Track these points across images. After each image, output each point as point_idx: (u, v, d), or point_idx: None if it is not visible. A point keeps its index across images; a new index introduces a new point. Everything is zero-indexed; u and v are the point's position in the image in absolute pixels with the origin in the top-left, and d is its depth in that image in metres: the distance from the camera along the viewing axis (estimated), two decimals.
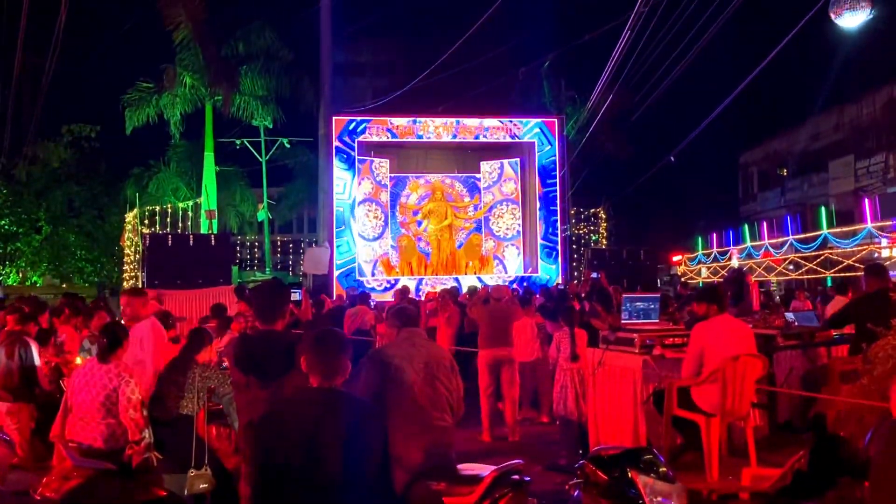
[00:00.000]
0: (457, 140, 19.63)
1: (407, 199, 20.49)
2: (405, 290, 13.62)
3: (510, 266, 20.17)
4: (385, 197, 19.95)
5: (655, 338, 6.22)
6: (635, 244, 21.63)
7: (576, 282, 18.58)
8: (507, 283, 16.22)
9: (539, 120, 19.93)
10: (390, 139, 19.36)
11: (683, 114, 20.51)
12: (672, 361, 6.05)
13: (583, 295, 13.33)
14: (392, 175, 20.23)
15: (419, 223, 20.47)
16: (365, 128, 19.06)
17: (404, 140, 19.52)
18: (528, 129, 19.74)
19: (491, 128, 19.63)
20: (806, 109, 30.66)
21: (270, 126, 23.00)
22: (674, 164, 19.36)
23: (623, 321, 6.70)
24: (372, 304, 13.31)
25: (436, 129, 19.39)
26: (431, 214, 20.32)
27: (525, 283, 17.22)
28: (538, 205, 19.69)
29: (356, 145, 18.97)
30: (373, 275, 19.12)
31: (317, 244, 20.58)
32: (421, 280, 18.86)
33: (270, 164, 24.50)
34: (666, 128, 23.43)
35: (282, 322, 3.77)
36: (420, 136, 19.36)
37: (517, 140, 19.81)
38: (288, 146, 24.17)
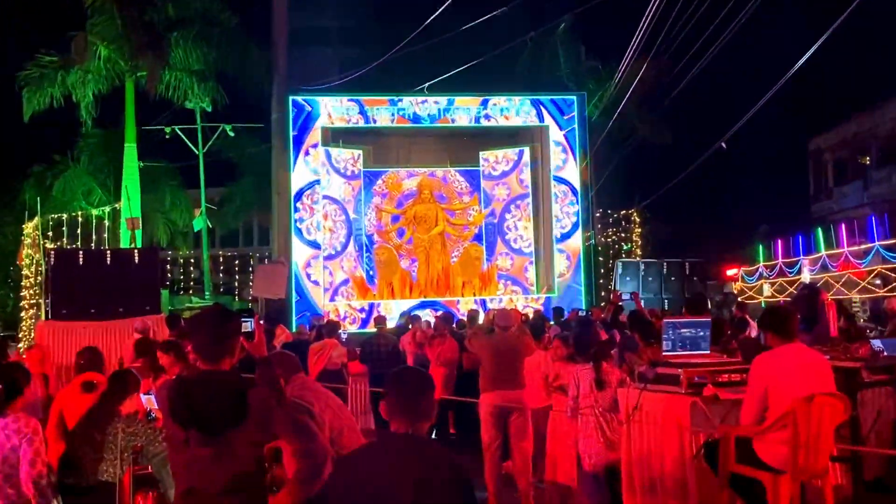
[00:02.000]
0: (449, 125, 19.68)
1: (384, 201, 20.24)
2: (415, 317, 13.94)
3: (532, 288, 20.14)
4: (347, 194, 19.64)
5: (706, 374, 6.24)
6: (678, 255, 21.35)
7: (603, 304, 18.60)
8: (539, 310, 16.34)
9: (554, 95, 19.94)
10: (363, 124, 19.37)
11: (738, 89, 20.74)
12: (728, 404, 6.06)
13: (608, 320, 13.39)
14: (366, 170, 20.07)
15: (401, 232, 20.29)
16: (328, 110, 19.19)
17: (381, 126, 19.51)
18: (540, 108, 19.88)
19: (493, 106, 19.62)
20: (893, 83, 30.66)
21: (209, 109, 22.71)
22: (725, 152, 18.50)
23: (665, 353, 6.71)
24: (343, 336, 13.31)
25: (421, 110, 19.50)
26: (418, 220, 20.16)
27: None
28: (553, 206, 19.77)
29: (319, 132, 19.09)
30: (332, 299, 18.91)
31: (270, 260, 20.46)
32: (424, 304, 18.76)
33: (210, 158, 24.28)
34: (715, 107, 23.10)
35: (229, 360, 3.80)
36: (405, 115, 19.28)
37: (527, 124, 19.92)
38: (232, 134, 23.87)
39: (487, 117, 19.72)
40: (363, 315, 18.64)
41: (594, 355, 7.71)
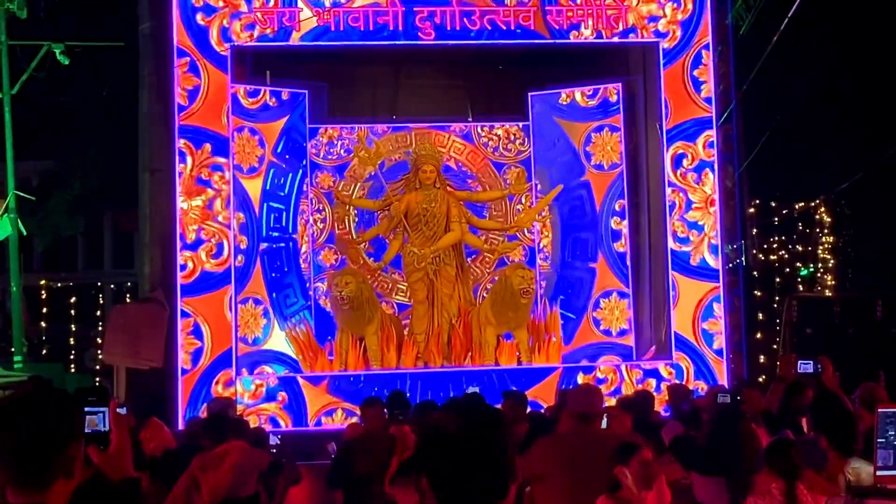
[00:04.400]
0: (472, 42, 14.39)
1: (342, 182, 15.12)
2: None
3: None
4: (248, 157, 14.69)
5: None
6: None
7: (763, 379, 14.70)
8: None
9: None
10: (308, 42, 14.23)
11: None
12: None
13: (774, 411, 10.18)
14: (313, 126, 15.00)
15: (380, 246, 15.12)
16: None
17: (341, 43, 14.37)
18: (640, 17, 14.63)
19: (562, 10, 14.00)
20: None
21: (23, 15, 18.50)
22: None
23: (880, 471, 5.39)
24: (273, 440, 11.28)
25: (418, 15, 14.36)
26: (413, 222, 15.21)
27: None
28: (667, 191, 14.64)
29: (229, 56, 14.26)
30: (238, 374, 14.25)
31: (137, 297, 17.49)
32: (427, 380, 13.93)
33: (25, 107, 19.94)
34: None
35: (63, 486, 2.97)
36: (378, 30, 14.02)
37: (611, 41, 14.50)
38: (66, 62, 19.51)
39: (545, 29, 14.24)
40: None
41: (742, 480, 6.07)
